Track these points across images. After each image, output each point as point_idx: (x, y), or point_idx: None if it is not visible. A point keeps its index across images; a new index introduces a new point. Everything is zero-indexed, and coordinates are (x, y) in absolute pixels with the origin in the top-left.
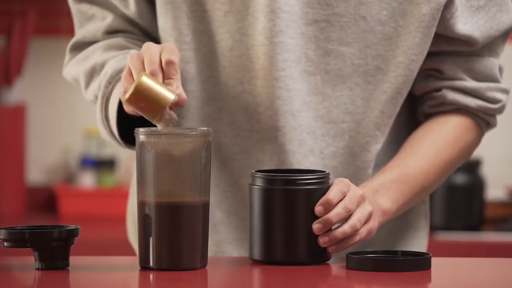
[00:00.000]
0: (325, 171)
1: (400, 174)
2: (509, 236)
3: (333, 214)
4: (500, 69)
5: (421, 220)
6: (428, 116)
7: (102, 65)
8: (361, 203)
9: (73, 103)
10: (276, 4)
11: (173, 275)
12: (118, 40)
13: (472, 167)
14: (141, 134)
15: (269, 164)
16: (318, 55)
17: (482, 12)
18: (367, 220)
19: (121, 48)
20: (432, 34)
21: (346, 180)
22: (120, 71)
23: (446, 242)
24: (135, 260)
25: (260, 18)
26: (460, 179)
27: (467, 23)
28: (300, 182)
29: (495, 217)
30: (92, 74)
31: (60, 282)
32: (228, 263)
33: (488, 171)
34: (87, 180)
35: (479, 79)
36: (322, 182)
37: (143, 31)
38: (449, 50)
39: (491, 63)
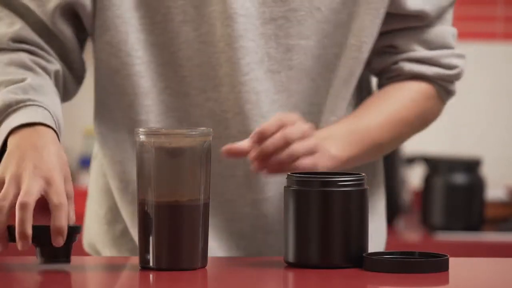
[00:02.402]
0: (361, 173)
1: (351, 125)
2: (509, 236)
3: (269, 143)
4: (453, 35)
5: (379, 205)
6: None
7: None
8: (304, 138)
9: (73, 103)
10: (232, 10)
11: (173, 275)
12: (22, 57)
13: (472, 167)
14: (141, 134)
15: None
16: (280, 52)
17: None
18: (311, 153)
19: (22, 66)
20: (382, 16)
21: (294, 115)
22: (9, 105)
23: (446, 242)
24: (135, 260)
25: (217, 25)
26: (460, 179)
27: None
28: (338, 183)
29: (495, 217)
30: None
31: (60, 281)
32: (228, 263)
33: (488, 171)
34: (87, 180)
35: (432, 48)
36: (359, 184)
37: (57, 41)
38: (401, 27)
39: (443, 31)
